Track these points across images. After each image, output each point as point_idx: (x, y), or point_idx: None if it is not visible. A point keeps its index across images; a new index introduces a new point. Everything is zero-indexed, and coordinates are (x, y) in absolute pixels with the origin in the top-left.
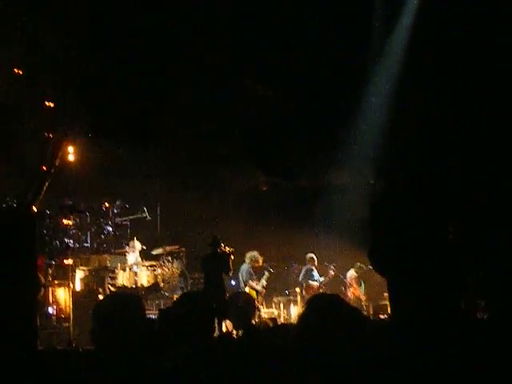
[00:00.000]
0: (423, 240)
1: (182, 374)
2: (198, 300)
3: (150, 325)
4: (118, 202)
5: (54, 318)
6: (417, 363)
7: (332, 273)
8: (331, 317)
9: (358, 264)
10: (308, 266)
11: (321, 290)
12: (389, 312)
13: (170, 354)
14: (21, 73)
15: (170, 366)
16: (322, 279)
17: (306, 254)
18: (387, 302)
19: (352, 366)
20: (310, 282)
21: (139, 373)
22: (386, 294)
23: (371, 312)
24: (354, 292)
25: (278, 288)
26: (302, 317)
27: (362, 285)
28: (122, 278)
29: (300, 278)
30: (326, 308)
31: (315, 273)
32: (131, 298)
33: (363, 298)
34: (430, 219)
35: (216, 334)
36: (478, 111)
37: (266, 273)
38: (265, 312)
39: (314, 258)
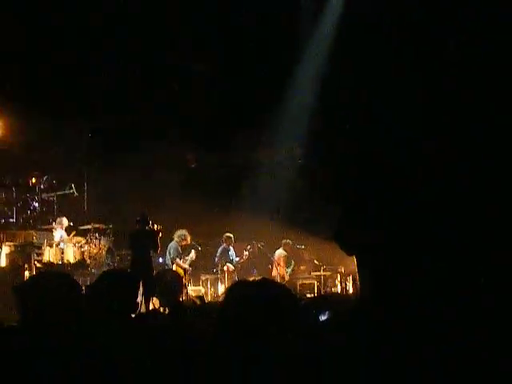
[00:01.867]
0: (391, 215)
1: (107, 353)
2: (120, 276)
3: (78, 302)
4: (45, 178)
5: None
6: (379, 345)
7: (246, 253)
8: (253, 306)
9: (286, 241)
10: (224, 246)
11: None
12: (315, 291)
13: (96, 332)
14: None
15: (96, 345)
16: (236, 259)
17: (224, 234)
18: (315, 281)
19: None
20: (227, 263)
21: (65, 351)
22: (313, 273)
23: (298, 290)
24: (280, 271)
25: (205, 266)
26: (221, 310)
27: (292, 264)
28: (49, 255)
29: (216, 259)
30: (247, 298)
31: (231, 252)
32: (60, 276)
33: (287, 277)
34: (397, 194)
35: (143, 311)
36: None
37: (194, 251)
38: (192, 290)
39: (231, 237)
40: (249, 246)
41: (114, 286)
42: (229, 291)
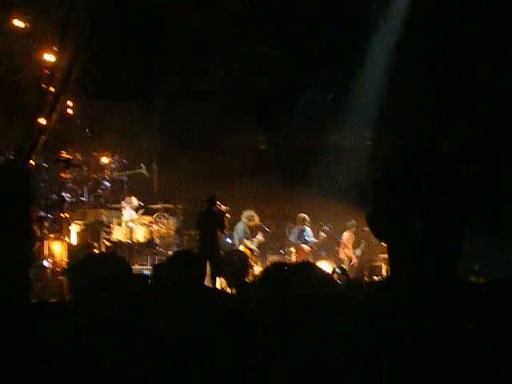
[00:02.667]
0: (424, 205)
1: (174, 333)
2: (191, 258)
3: (143, 280)
4: (116, 157)
5: (48, 270)
6: (412, 327)
7: (323, 234)
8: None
9: (353, 222)
10: (300, 227)
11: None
12: (383, 273)
13: (162, 313)
14: (22, 25)
15: (162, 325)
16: (313, 240)
17: (298, 214)
18: (381, 264)
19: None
20: (302, 244)
21: (131, 329)
22: (380, 256)
23: (365, 273)
24: (347, 253)
25: (272, 247)
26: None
27: (362, 245)
28: (118, 233)
29: (292, 239)
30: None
31: (307, 233)
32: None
33: (354, 259)
34: (432, 186)
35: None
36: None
37: (261, 232)
38: (259, 270)
39: (306, 218)
40: (325, 227)
41: (186, 265)
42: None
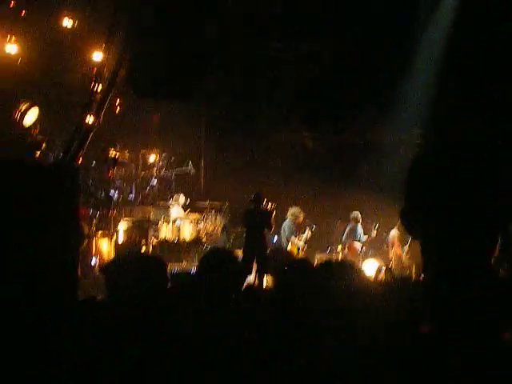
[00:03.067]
0: (458, 204)
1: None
2: (223, 255)
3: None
4: (163, 155)
5: (96, 268)
6: (441, 323)
7: (374, 232)
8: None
9: (400, 222)
10: (352, 225)
11: (363, 249)
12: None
13: (199, 314)
14: (71, 24)
15: (197, 326)
16: (364, 238)
17: (352, 212)
18: None
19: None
20: (353, 241)
21: (159, 329)
22: None
23: (413, 271)
24: (396, 251)
25: (320, 245)
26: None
27: (407, 243)
28: (165, 231)
29: (343, 237)
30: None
31: (359, 232)
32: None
33: (405, 257)
34: (468, 184)
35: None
36: None
37: (309, 229)
38: None
39: (359, 217)
40: (377, 225)
41: (216, 264)
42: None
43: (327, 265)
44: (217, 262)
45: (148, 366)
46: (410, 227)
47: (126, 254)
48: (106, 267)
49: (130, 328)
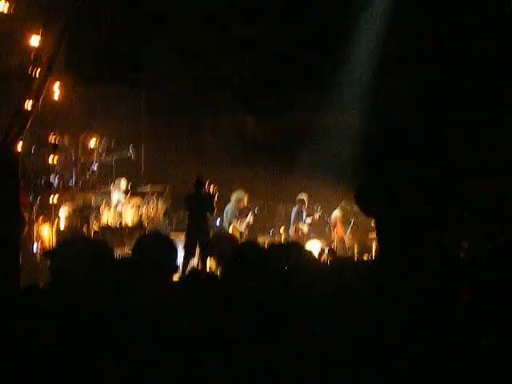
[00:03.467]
0: (414, 180)
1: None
2: (156, 240)
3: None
4: (103, 140)
5: (38, 254)
6: (403, 303)
7: (318, 214)
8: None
9: (343, 204)
10: (298, 206)
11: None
12: (373, 252)
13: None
14: (7, 7)
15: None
16: (308, 220)
17: (298, 194)
18: (372, 242)
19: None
20: (300, 224)
21: (114, 309)
22: (370, 235)
23: (355, 253)
24: (338, 233)
25: (262, 228)
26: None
27: (351, 224)
28: (107, 217)
29: (291, 220)
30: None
31: (304, 214)
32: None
33: (347, 238)
34: (421, 161)
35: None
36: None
37: (251, 213)
38: None
39: (305, 199)
40: (319, 207)
41: (152, 248)
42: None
43: (276, 246)
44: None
45: (95, 350)
46: (366, 206)
47: (70, 239)
48: (50, 252)
49: (75, 313)
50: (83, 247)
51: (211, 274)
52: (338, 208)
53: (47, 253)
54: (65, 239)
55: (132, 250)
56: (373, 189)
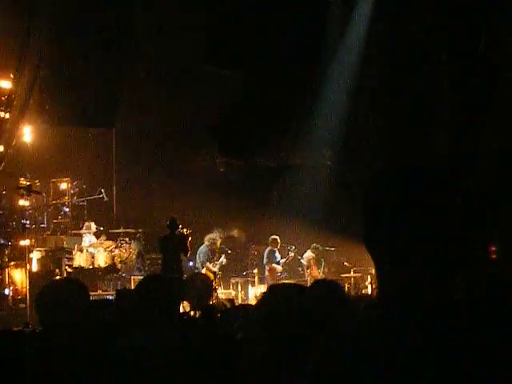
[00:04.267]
0: (421, 226)
1: (143, 356)
2: (162, 283)
3: (107, 306)
4: (75, 183)
5: (10, 298)
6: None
7: (292, 254)
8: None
9: (314, 245)
10: (270, 248)
11: (281, 272)
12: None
13: (129, 338)
14: None
15: (129, 350)
16: (282, 261)
17: (271, 235)
18: (345, 283)
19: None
20: (274, 264)
21: (97, 356)
22: (343, 275)
23: None
24: (312, 273)
25: (235, 269)
26: (262, 304)
27: (323, 264)
28: (79, 259)
29: (264, 261)
30: (287, 297)
31: (277, 254)
32: (72, 282)
33: (321, 278)
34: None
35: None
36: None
37: (224, 254)
38: (222, 293)
39: (278, 240)
40: (293, 247)
41: (158, 290)
42: (272, 289)
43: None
44: (153, 288)
45: None
46: (375, 252)
47: (51, 281)
48: (36, 295)
49: (64, 355)
50: (63, 289)
51: (188, 314)
52: (310, 249)
53: (36, 298)
54: (47, 282)
55: (121, 292)
56: (379, 235)
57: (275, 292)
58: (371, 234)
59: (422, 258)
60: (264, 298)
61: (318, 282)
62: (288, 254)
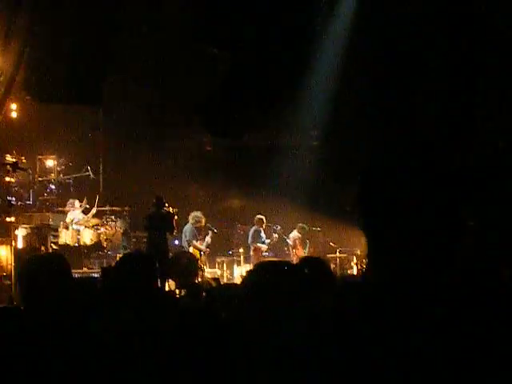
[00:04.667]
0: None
1: (124, 335)
2: (141, 259)
3: (92, 284)
4: (61, 160)
5: None
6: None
7: (276, 235)
8: (279, 283)
9: (301, 225)
10: (256, 227)
11: (267, 252)
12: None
13: (113, 315)
14: None
15: (112, 328)
16: (268, 241)
17: (256, 215)
18: (330, 264)
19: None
20: (259, 243)
21: (80, 334)
22: (329, 255)
23: None
24: (298, 253)
25: (221, 248)
26: (248, 282)
27: (308, 244)
28: (65, 237)
29: (249, 240)
30: (273, 274)
31: (262, 234)
32: (55, 257)
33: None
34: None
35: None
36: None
37: (210, 233)
38: (208, 272)
39: (263, 219)
40: (278, 227)
41: (136, 268)
42: (258, 266)
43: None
44: (131, 266)
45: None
46: (369, 238)
47: (32, 256)
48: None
49: (47, 333)
50: (45, 264)
51: (171, 294)
52: (296, 229)
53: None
54: (28, 257)
55: (106, 270)
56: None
57: (262, 269)
58: (368, 222)
59: (417, 248)
60: (250, 276)
61: (305, 259)
62: (273, 234)
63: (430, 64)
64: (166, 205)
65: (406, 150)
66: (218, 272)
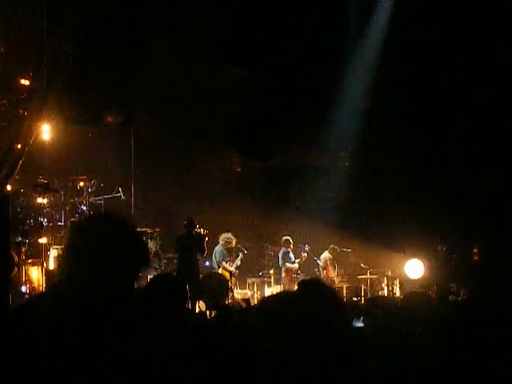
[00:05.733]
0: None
1: (152, 357)
2: (171, 281)
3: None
4: (92, 181)
5: (26, 296)
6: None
7: (305, 254)
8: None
9: (332, 246)
10: (284, 249)
11: (298, 273)
12: (362, 294)
13: (141, 338)
14: None
15: (140, 350)
16: (297, 260)
17: (283, 236)
18: (361, 285)
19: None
20: (288, 264)
21: (106, 355)
22: (359, 277)
23: (345, 294)
24: (328, 274)
25: (252, 269)
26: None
27: (336, 266)
28: None
29: (280, 262)
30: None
31: (291, 255)
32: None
33: (337, 280)
34: None
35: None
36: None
37: (240, 254)
38: (238, 293)
39: (290, 240)
40: (307, 246)
41: (165, 289)
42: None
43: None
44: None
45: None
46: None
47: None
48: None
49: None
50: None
51: (204, 314)
52: (328, 250)
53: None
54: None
55: (144, 289)
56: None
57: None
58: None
59: None
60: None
61: (301, 283)
62: (302, 253)
63: (458, 86)
64: (197, 226)
65: None
66: (249, 293)
